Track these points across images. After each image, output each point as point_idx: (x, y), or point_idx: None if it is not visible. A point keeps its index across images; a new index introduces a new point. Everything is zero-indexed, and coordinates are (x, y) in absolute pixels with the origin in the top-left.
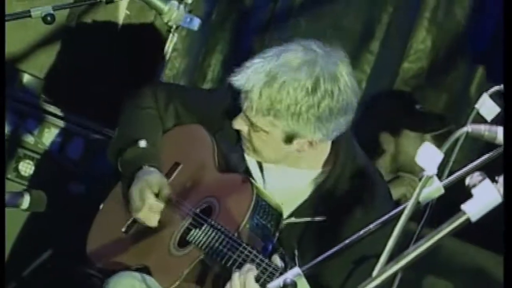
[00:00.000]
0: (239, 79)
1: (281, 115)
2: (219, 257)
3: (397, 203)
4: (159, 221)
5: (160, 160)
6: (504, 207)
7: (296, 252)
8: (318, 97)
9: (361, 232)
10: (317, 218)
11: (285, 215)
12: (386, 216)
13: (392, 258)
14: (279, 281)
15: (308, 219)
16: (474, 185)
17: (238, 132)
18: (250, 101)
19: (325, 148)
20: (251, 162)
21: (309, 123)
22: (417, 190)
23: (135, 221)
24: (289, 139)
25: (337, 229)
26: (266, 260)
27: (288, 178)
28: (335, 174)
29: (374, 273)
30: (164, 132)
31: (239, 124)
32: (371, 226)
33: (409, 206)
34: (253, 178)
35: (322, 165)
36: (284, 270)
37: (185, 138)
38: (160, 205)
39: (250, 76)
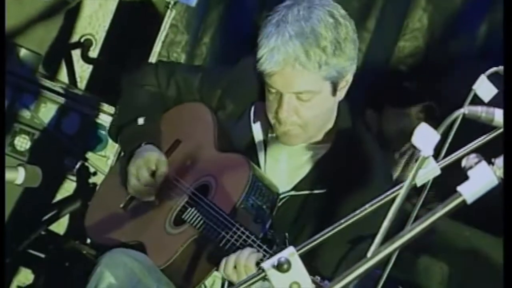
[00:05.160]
0: (268, 62)
1: (327, 58)
2: (213, 237)
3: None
4: (157, 199)
5: (159, 137)
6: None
7: (287, 235)
8: (340, 27)
9: (357, 211)
10: (316, 191)
11: (285, 190)
12: (382, 197)
13: (387, 238)
14: (273, 259)
15: (307, 192)
16: (470, 167)
17: (240, 111)
18: (298, 64)
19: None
20: (257, 139)
21: (347, 52)
22: (413, 171)
23: (133, 197)
24: (334, 86)
25: (335, 203)
26: (259, 241)
27: (289, 155)
28: (335, 149)
29: (369, 253)
30: (166, 108)
31: (286, 110)
32: (366, 206)
33: (405, 187)
34: (256, 157)
35: (323, 140)
36: (275, 252)
37: (187, 116)
38: (155, 183)
39: (282, 51)
